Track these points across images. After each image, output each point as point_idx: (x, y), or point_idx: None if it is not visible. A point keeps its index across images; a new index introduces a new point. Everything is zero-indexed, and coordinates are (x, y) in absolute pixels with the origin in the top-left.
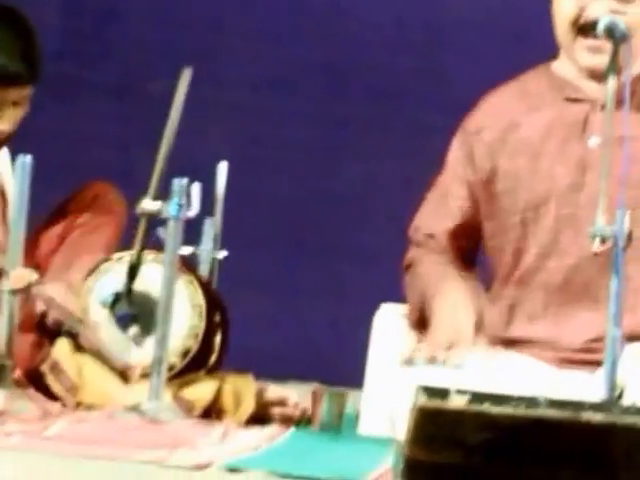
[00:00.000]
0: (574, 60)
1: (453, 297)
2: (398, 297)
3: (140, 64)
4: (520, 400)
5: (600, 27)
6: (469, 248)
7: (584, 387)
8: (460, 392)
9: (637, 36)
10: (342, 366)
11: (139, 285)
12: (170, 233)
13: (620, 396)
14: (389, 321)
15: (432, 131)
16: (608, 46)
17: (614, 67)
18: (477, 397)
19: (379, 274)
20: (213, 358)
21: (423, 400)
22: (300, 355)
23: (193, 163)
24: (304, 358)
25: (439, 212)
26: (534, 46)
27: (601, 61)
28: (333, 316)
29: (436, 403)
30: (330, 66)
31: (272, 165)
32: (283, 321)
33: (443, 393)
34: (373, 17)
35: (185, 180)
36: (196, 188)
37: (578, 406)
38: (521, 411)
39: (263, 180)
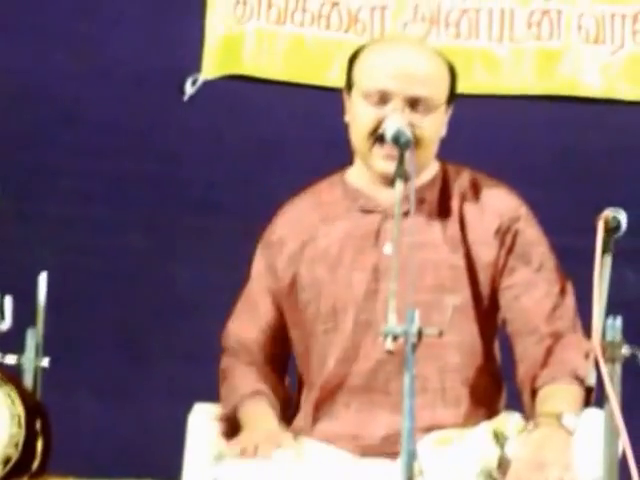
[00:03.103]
0: (370, 167)
1: (261, 407)
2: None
3: None
4: None
5: (388, 135)
6: (279, 354)
7: (385, 475)
8: None
9: (430, 146)
10: (174, 462)
11: None
12: None
13: None
14: (202, 419)
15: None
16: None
17: (401, 172)
18: None
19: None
20: (36, 464)
21: None
22: (135, 453)
23: (16, 275)
24: (139, 456)
25: (249, 322)
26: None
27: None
28: (161, 414)
29: None
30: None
31: (95, 272)
32: (114, 422)
33: None
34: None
35: None
36: (8, 301)
37: None
38: None
39: (87, 287)
